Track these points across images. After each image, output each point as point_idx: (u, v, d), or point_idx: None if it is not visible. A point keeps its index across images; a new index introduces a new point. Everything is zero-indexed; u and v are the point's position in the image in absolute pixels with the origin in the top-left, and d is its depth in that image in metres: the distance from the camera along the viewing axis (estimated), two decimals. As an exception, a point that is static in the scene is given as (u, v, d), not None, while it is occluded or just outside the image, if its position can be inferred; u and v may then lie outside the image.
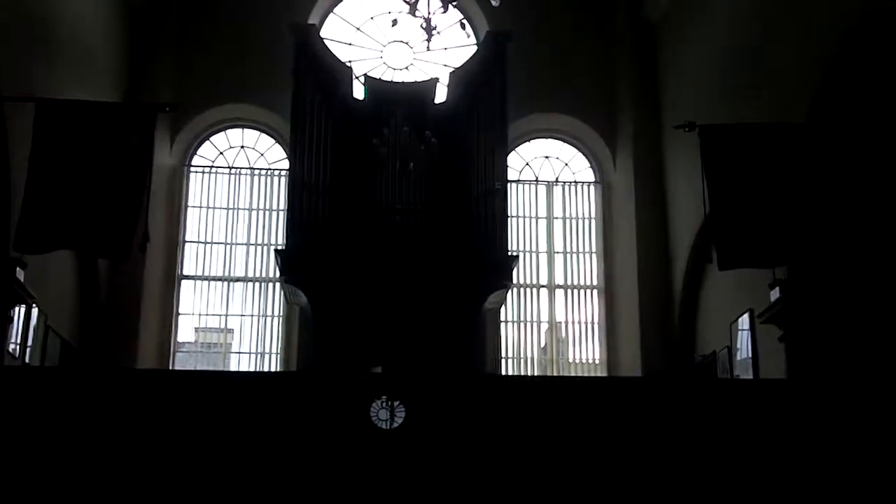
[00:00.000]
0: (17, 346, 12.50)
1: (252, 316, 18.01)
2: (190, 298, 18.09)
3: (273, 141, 18.78)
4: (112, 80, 16.32)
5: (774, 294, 12.09)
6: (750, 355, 13.50)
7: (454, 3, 9.30)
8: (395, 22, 10.37)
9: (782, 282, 12.02)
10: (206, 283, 18.12)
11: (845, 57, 11.26)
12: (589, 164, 19.29)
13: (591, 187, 19.15)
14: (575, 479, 11.35)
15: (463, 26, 10.80)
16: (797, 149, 11.65)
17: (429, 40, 9.50)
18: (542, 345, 18.51)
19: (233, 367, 17.83)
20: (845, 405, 11.17)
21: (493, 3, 9.33)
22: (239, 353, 17.91)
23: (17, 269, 11.76)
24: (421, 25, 9.37)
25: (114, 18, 16.39)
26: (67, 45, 13.91)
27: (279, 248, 16.73)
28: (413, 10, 9.30)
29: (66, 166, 11.26)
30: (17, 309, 12.28)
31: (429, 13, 9.21)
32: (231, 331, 18.15)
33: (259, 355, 17.81)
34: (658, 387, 12.60)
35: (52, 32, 13.31)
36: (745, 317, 13.64)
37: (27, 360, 12.82)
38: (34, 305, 12.78)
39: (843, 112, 11.53)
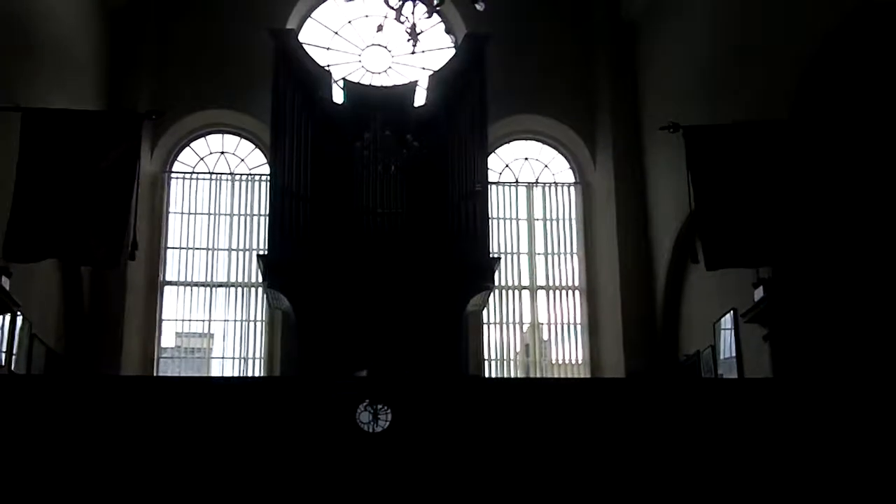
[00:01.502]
0: (3, 355, 12.46)
1: (235, 321, 18.00)
2: (173, 304, 18.07)
3: (253, 146, 18.78)
4: (92, 86, 16.31)
5: (758, 293, 12.14)
6: (734, 354, 13.54)
7: (438, 8, 9.35)
8: (380, 27, 10.38)
9: (766, 281, 12.09)
10: (188, 288, 18.11)
11: (825, 54, 11.32)
12: (569, 166, 19.35)
13: (572, 188, 19.21)
14: (560, 480, 11.38)
15: (448, 31, 10.81)
16: (781, 148, 11.72)
17: (414, 45, 9.52)
18: (525, 345, 18.55)
19: (215, 373, 17.84)
20: (830, 404, 11.22)
21: (478, 7, 9.34)
22: (222, 358, 17.89)
23: (2, 276, 11.73)
24: (406, 30, 9.39)
25: (93, 25, 16.37)
26: (48, 53, 13.89)
27: (262, 253, 16.75)
28: (398, 15, 9.32)
29: (54, 175, 11.27)
30: (2, 317, 12.25)
31: (414, 19, 9.24)
32: (212, 335, 18.14)
33: (242, 360, 17.79)
34: (642, 387, 12.65)
35: (34, 40, 13.29)
36: (729, 316, 13.69)
37: (13, 368, 12.78)
38: (19, 313, 12.74)
39: (825, 109, 11.59)
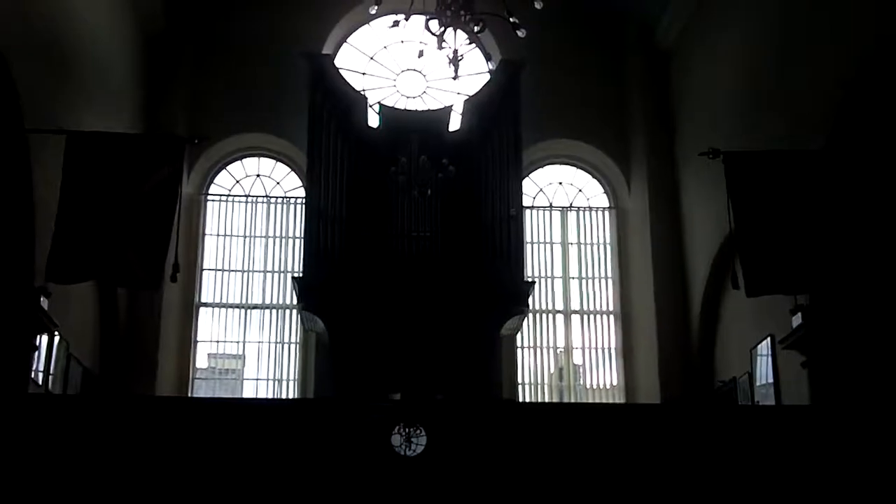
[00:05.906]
0: (41, 374, 12.54)
1: (269, 343, 18.06)
2: (207, 326, 18.15)
3: (289, 169, 18.89)
4: (130, 109, 16.42)
5: (796, 320, 12.05)
6: (771, 381, 13.44)
7: (479, 35, 9.41)
8: (421, 53, 10.45)
9: (804, 307, 12.01)
10: (223, 310, 18.20)
11: (862, 82, 11.24)
12: (603, 190, 19.35)
13: (606, 213, 19.20)
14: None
15: (489, 58, 10.88)
16: (821, 176, 11.67)
17: (456, 72, 9.58)
18: (559, 369, 18.51)
19: (247, 394, 17.92)
20: (870, 433, 11.14)
21: (520, 34, 9.40)
22: (256, 380, 17.94)
23: (42, 297, 11.81)
24: (448, 56, 9.44)
25: (132, 49, 16.52)
26: (87, 76, 13.98)
27: (297, 275, 16.81)
28: (440, 43, 9.37)
29: (97, 197, 11.39)
30: (40, 337, 12.32)
31: (455, 45, 9.30)
32: (244, 357, 18.20)
33: (275, 382, 17.84)
34: (677, 413, 12.61)
35: (73, 63, 13.38)
36: (766, 342, 13.59)
37: (49, 387, 12.85)
38: (56, 333, 12.82)
39: (863, 137, 11.51)
